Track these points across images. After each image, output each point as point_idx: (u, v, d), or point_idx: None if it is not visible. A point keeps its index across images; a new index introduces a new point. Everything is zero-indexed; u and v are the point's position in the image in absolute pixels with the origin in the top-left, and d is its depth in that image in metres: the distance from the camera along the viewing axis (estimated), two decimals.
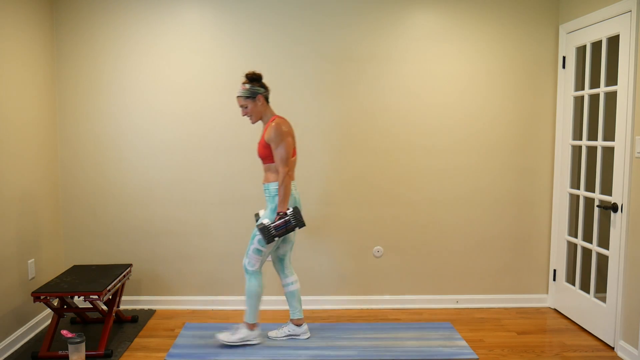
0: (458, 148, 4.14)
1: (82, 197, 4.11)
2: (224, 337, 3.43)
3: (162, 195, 4.12)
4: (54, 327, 3.34)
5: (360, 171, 4.12)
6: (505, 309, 4.21)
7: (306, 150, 4.10)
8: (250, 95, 3.30)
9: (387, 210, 4.15)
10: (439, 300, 4.24)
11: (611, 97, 3.72)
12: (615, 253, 3.39)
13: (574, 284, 3.98)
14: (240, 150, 4.10)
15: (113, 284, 3.43)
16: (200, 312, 4.12)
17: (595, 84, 3.80)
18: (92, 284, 3.35)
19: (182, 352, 3.36)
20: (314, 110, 4.07)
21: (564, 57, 4.01)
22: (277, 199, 3.29)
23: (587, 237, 3.91)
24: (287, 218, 3.25)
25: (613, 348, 3.44)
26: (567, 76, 3.98)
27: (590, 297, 3.70)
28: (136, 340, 3.59)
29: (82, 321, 3.85)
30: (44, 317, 3.83)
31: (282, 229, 3.25)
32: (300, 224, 3.28)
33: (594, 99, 3.90)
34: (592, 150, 4.04)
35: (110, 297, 3.57)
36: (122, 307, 4.18)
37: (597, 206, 3.60)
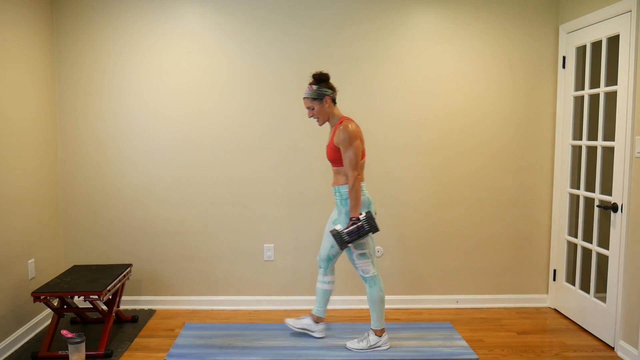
0: (457, 148, 4.14)
1: (82, 197, 4.11)
2: (352, 345, 3.40)
3: (162, 195, 4.12)
4: (54, 327, 3.34)
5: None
6: (505, 309, 4.21)
7: (306, 150, 4.10)
8: (317, 97, 3.22)
9: (387, 210, 4.14)
10: (439, 300, 4.24)
11: (611, 97, 3.72)
12: (615, 253, 3.39)
13: (574, 284, 3.98)
14: (240, 150, 4.10)
15: (113, 284, 3.43)
16: (200, 312, 4.12)
17: (595, 84, 3.80)
18: (92, 284, 3.35)
19: (182, 352, 3.36)
20: None
21: (564, 57, 4.01)
22: (349, 202, 3.21)
23: (587, 237, 3.91)
24: (360, 224, 3.13)
25: (613, 348, 3.44)
26: (567, 76, 3.98)
27: (590, 297, 3.70)
28: (136, 340, 3.59)
29: (82, 321, 3.85)
30: (44, 317, 3.83)
31: (354, 235, 3.14)
32: (374, 229, 3.15)
33: (594, 99, 3.90)
34: (592, 150, 4.04)
35: (110, 297, 3.57)
36: (122, 307, 4.18)
37: (597, 206, 3.60)
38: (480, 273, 4.24)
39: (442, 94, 4.10)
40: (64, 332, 3.12)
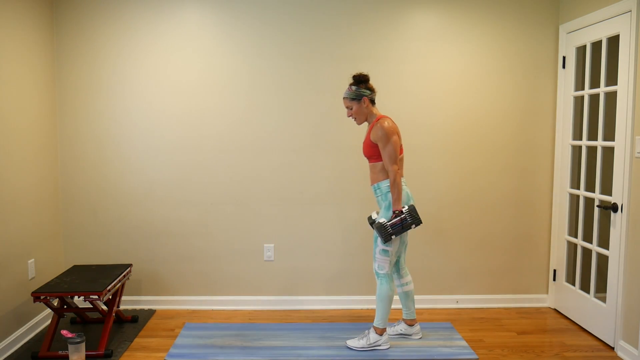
0: (458, 148, 4.14)
1: (82, 197, 4.11)
2: (353, 342, 3.42)
3: (162, 195, 4.12)
4: (54, 327, 3.34)
5: (360, 171, 4.11)
6: (505, 309, 4.21)
7: (306, 150, 4.10)
8: (356, 97, 3.29)
9: None
10: (439, 300, 4.24)
11: (611, 97, 3.72)
12: (615, 253, 3.39)
13: (574, 284, 3.98)
14: (241, 150, 4.10)
15: (113, 284, 3.43)
16: (200, 312, 4.12)
17: (595, 84, 3.80)
18: (92, 284, 3.35)
19: (182, 352, 3.36)
20: (313, 109, 4.07)
21: (564, 57, 4.01)
22: (389, 196, 3.26)
23: (587, 237, 3.91)
24: (403, 216, 3.21)
25: (613, 348, 3.44)
26: (567, 76, 3.98)
27: (590, 297, 3.70)
28: (136, 340, 3.59)
29: (82, 321, 3.85)
30: (44, 317, 3.83)
31: (398, 227, 3.20)
32: (417, 221, 3.23)
33: (594, 99, 3.90)
34: (592, 150, 4.04)
35: (110, 297, 3.57)
36: (122, 307, 4.18)
37: (597, 206, 3.60)
38: (480, 273, 4.24)
39: (442, 94, 4.10)
40: (64, 332, 3.12)
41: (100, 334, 3.61)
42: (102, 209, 4.13)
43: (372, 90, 3.33)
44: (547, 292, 4.26)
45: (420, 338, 3.56)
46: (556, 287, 4.15)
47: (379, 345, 3.39)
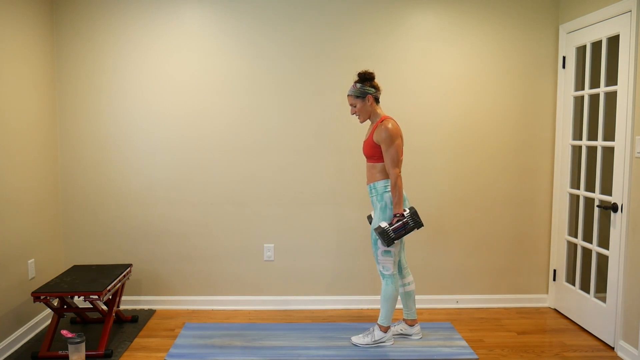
0: (458, 148, 4.14)
1: (82, 197, 4.11)
2: (357, 339, 3.44)
3: (162, 195, 4.12)
4: (54, 327, 3.34)
5: (360, 171, 4.11)
6: (505, 309, 4.21)
7: (306, 150, 4.10)
8: (360, 95, 3.28)
9: None
10: (439, 300, 4.24)
11: (611, 97, 3.72)
12: (615, 253, 3.39)
13: (574, 284, 3.98)
14: (241, 150, 4.10)
15: (113, 284, 3.43)
16: (200, 312, 4.12)
17: (595, 84, 3.80)
18: (92, 284, 3.35)
19: (182, 352, 3.36)
20: (313, 109, 4.07)
21: (564, 57, 4.01)
22: (385, 196, 3.25)
23: (587, 237, 3.91)
24: (405, 220, 3.19)
25: (613, 348, 3.44)
26: (567, 76, 3.98)
27: (590, 297, 3.70)
28: (136, 340, 3.59)
29: (82, 321, 3.85)
30: (44, 317, 3.83)
31: (401, 231, 3.18)
32: (419, 224, 3.21)
33: (594, 99, 3.90)
34: (592, 150, 4.04)
35: (110, 297, 3.57)
36: (122, 307, 4.18)
37: (597, 206, 3.60)
38: (480, 273, 4.24)
39: (442, 94, 4.10)
40: (64, 332, 3.12)
41: (100, 334, 3.61)
42: (102, 209, 4.13)
43: (377, 88, 3.32)
44: (547, 292, 4.26)
45: (420, 338, 3.57)
46: (556, 287, 4.15)
47: (384, 342, 3.41)
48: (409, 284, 3.53)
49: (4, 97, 3.35)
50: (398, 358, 3.28)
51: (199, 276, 4.20)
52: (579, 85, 3.91)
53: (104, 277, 3.52)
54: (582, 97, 3.88)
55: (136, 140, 4.08)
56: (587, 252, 3.94)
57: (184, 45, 4.03)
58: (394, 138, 3.20)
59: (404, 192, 3.33)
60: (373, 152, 3.28)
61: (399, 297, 3.59)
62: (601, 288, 3.95)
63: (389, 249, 3.28)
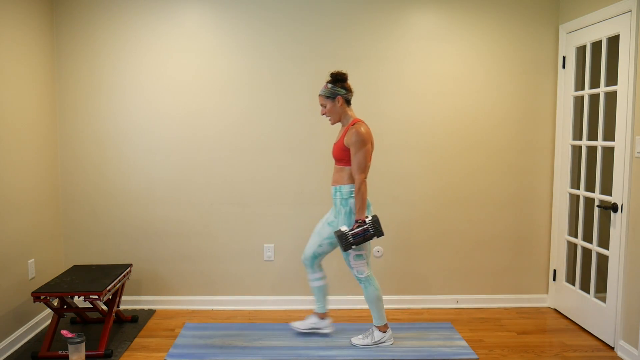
0: (457, 148, 4.14)
1: (82, 197, 4.11)
2: (357, 340, 3.44)
3: (162, 195, 4.12)
4: (54, 327, 3.34)
5: None
6: (505, 309, 4.21)
7: (306, 150, 4.10)
8: (330, 96, 3.26)
9: (387, 210, 4.14)
10: (439, 300, 4.24)
11: (611, 97, 3.72)
12: (615, 253, 3.39)
13: (574, 284, 3.98)
14: (240, 150, 4.10)
15: (113, 284, 3.43)
16: (200, 312, 4.12)
17: (595, 84, 3.80)
18: (92, 284, 3.35)
19: (182, 352, 3.36)
20: (313, 109, 4.07)
21: (564, 57, 4.01)
22: (350, 202, 3.24)
23: (587, 237, 3.91)
24: (365, 226, 3.17)
25: (613, 348, 3.44)
26: (567, 76, 3.98)
27: (590, 297, 3.70)
28: (136, 340, 3.59)
29: (82, 321, 3.85)
30: (44, 317, 3.83)
31: (359, 237, 3.16)
32: (379, 233, 3.18)
33: (594, 99, 3.90)
34: (592, 150, 4.04)
35: (110, 297, 3.57)
36: (122, 307, 4.18)
37: (597, 206, 3.60)
38: (480, 273, 4.24)
39: (442, 94, 4.10)
40: (64, 332, 3.12)
41: (100, 334, 3.61)
42: (102, 209, 4.13)
43: (348, 90, 3.29)
44: (547, 292, 4.26)
45: (330, 331, 3.56)
46: (556, 287, 4.15)
47: (384, 342, 3.41)
48: (320, 278, 3.51)
49: (4, 97, 3.35)
50: (398, 358, 3.28)
51: (199, 276, 4.20)
52: (579, 85, 3.91)
53: (104, 277, 3.52)
54: (582, 97, 3.88)
55: (136, 140, 4.08)
56: (587, 252, 3.94)
57: (184, 45, 4.03)
58: (364, 143, 3.17)
59: (368, 199, 3.31)
60: (342, 155, 3.24)
61: (311, 290, 3.57)
62: (601, 288, 3.95)
63: (359, 252, 3.28)
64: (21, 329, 3.54)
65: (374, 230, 3.18)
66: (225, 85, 4.06)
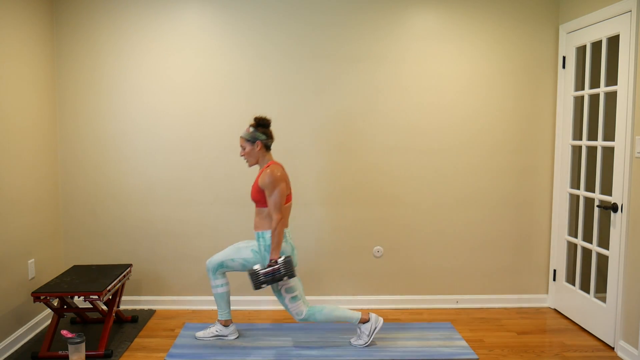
0: (458, 148, 4.14)
1: (82, 197, 4.11)
2: (355, 341, 3.47)
3: (162, 195, 4.12)
4: (54, 327, 3.34)
5: (359, 171, 4.12)
6: (505, 309, 4.21)
7: (305, 150, 4.10)
8: (250, 139, 3.31)
9: (387, 210, 4.14)
10: (439, 300, 4.24)
11: (611, 97, 3.72)
12: (615, 253, 3.39)
13: (574, 284, 3.98)
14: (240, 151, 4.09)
15: (113, 284, 3.43)
16: (200, 312, 4.12)
17: (595, 84, 3.81)
18: (92, 284, 3.35)
19: (182, 352, 3.36)
20: (313, 109, 4.07)
21: (564, 57, 4.01)
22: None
23: (587, 237, 3.91)
24: (277, 267, 3.18)
25: (613, 348, 3.44)
26: (567, 76, 3.98)
27: (590, 297, 3.70)
28: (136, 340, 3.59)
29: (82, 321, 3.85)
30: (44, 317, 3.83)
31: (269, 277, 3.18)
32: (290, 274, 3.19)
33: (594, 99, 3.90)
34: (592, 150, 4.04)
35: (110, 297, 3.57)
36: (122, 307, 4.18)
37: (597, 206, 3.60)
38: (480, 273, 4.24)
39: (441, 94, 4.10)
40: (64, 332, 3.12)
41: (100, 334, 3.61)
42: (102, 209, 4.13)
43: (269, 136, 3.33)
44: (547, 292, 4.26)
45: (236, 338, 3.56)
46: (556, 287, 4.16)
47: (376, 329, 3.43)
48: (222, 285, 3.49)
49: (4, 97, 3.35)
50: (398, 358, 3.28)
51: (199, 276, 4.20)
52: (579, 85, 3.91)
53: (104, 277, 3.52)
54: (582, 97, 3.88)
55: (136, 140, 4.08)
56: (587, 252, 3.94)
57: (184, 45, 4.03)
58: (277, 183, 3.20)
59: (291, 241, 3.34)
60: (259, 197, 3.28)
61: (214, 298, 3.56)
62: (601, 288, 3.95)
63: (294, 294, 3.30)
64: (21, 329, 3.54)
65: (285, 271, 3.18)
66: (225, 85, 4.06)
